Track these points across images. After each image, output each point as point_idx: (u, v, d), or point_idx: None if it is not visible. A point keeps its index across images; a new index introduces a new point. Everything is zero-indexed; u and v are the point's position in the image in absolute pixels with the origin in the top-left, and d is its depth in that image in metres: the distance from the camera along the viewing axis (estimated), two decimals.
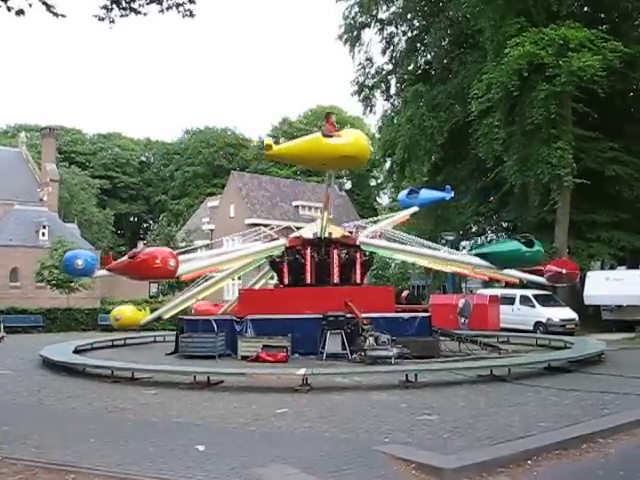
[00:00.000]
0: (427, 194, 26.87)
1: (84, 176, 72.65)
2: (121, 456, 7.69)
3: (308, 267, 21.48)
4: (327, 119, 13.78)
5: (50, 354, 17.60)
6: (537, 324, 28.89)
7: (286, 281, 22.20)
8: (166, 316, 24.14)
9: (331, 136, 13.62)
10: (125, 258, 17.51)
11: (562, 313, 28.95)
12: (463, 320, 27.97)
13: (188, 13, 10.19)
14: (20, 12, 8.37)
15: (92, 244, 54.92)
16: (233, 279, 34.46)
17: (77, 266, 19.35)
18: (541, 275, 21.27)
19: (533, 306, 29.62)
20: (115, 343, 23.82)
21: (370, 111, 46.94)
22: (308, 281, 21.48)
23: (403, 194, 27.21)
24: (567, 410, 10.40)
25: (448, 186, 27.68)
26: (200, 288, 23.58)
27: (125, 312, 24.40)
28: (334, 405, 11.35)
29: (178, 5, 10.50)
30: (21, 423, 9.83)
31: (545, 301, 29.93)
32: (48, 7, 8.57)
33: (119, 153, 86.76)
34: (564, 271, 20.16)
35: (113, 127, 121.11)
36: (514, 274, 22.94)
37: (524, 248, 18.36)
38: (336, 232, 22.43)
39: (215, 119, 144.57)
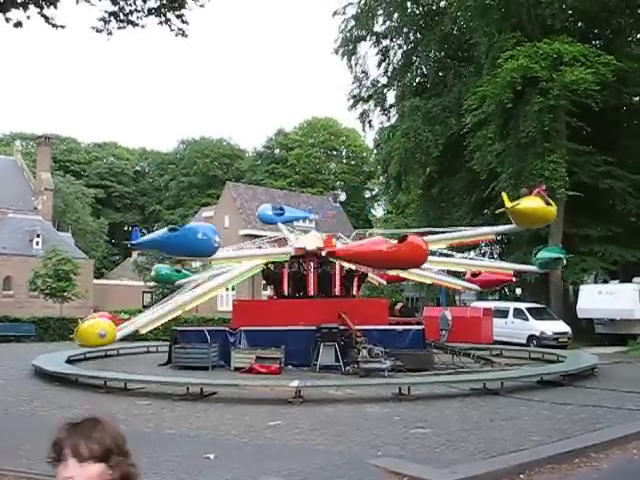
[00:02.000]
0: (291, 213, 26.76)
1: (79, 185, 72.53)
2: None
3: (310, 278, 21.54)
4: (540, 189, 16.93)
5: (43, 364, 17.54)
6: (530, 337, 28.93)
7: (285, 292, 22.16)
8: (144, 330, 20.18)
9: (550, 204, 16.81)
10: (371, 242, 16.57)
11: (555, 326, 28.99)
12: (443, 333, 27.93)
13: (181, 32, 10.26)
14: (18, 24, 8.41)
15: (86, 253, 54.80)
16: (227, 289, 34.27)
17: (215, 244, 16.65)
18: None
19: (526, 319, 29.65)
20: (108, 353, 23.71)
21: (369, 126, 47.05)
22: (310, 293, 21.56)
23: (267, 209, 26.43)
24: (560, 424, 10.42)
25: (310, 207, 28.51)
26: (188, 299, 21.00)
27: (106, 325, 18.13)
28: (327, 417, 11.35)
29: (176, 15, 10.57)
30: (12, 434, 9.80)
31: (538, 314, 29.98)
32: (47, 19, 8.61)
33: (114, 162, 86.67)
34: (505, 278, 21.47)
35: (109, 136, 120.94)
36: (457, 282, 25.40)
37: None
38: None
39: (210, 129, 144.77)
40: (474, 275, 24.67)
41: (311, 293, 21.74)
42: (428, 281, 27.07)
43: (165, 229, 16.79)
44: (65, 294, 37.42)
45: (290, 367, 18.59)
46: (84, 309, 40.41)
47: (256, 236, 34.49)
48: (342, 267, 22.18)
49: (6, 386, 15.57)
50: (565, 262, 22.39)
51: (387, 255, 15.98)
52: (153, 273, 27.37)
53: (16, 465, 7.75)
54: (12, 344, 30.91)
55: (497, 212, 17.90)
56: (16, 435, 9.65)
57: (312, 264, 21.70)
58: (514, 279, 25.50)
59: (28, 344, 31.18)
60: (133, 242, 16.95)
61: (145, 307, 45.81)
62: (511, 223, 18.00)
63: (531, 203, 16.58)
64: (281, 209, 25.97)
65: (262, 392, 13.81)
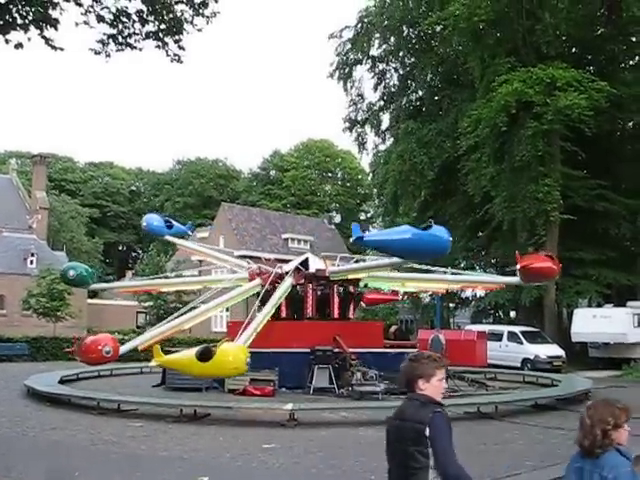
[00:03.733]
0: (178, 227, 26.45)
1: (74, 204, 72.48)
2: None
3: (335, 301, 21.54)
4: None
5: (35, 384, 17.43)
6: (524, 361, 28.88)
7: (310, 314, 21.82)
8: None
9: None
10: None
11: (549, 350, 28.98)
12: None
13: (177, 58, 10.38)
14: (19, 45, 8.50)
15: None
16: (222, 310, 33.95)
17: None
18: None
19: (521, 343, 29.62)
20: (101, 374, 23.55)
21: (363, 149, 47.43)
22: (335, 315, 21.58)
23: (154, 219, 25.29)
24: (554, 448, 10.40)
25: (190, 223, 29.02)
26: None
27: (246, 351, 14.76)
28: (321, 440, 11.31)
29: (174, 40, 10.68)
30: (3, 455, 9.73)
31: (533, 338, 29.97)
32: (47, 41, 8.71)
33: (110, 182, 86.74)
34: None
35: (104, 156, 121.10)
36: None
37: None
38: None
39: (206, 150, 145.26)
40: None
41: (336, 315, 21.68)
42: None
43: (405, 227, 15.72)
44: (59, 314, 37.25)
45: (284, 389, 18.51)
46: (77, 329, 40.25)
47: (252, 257, 34.49)
48: (350, 290, 22.21)
49: None
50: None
51: (553, 271, 17.09)
52: (71, 272, 20.95)
53: None
54: (4, 363, 30.68)
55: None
56: (7, 456, 9.59)
57: (335, 287, 21.72)
58: (400, 297, 27.29)
59: (20, 364, 30.97)
60: (360, 237, 15.27)
61: (139, 327, 45.68)
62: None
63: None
64: (169, 221, 25.30)
65: (256, 414, 13.75)
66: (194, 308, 21.29)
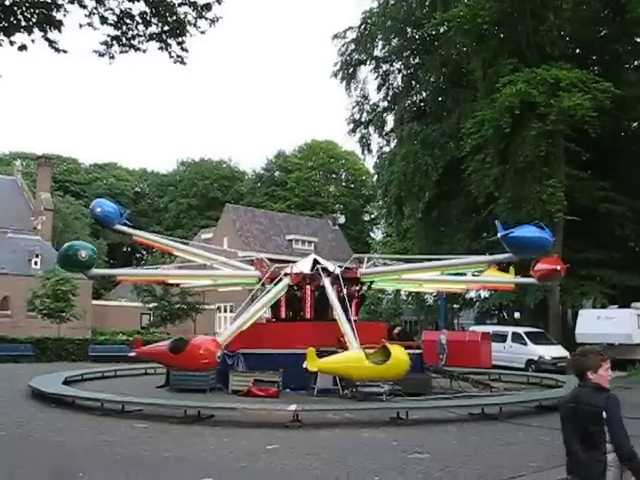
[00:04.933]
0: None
1: (78, 205, 72.61)
2: None
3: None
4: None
5: (39, 385, 17.45)
6: (529, 362, 28.84)
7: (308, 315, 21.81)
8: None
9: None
10: None
11: (554, 351, 28.91)
12: (441, 356, 27.75)
13: (180, 60, 10.40)
14: (23, 47, 8.53)
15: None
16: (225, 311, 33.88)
17: None
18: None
19: (525, 344, 29.59)
20: (106, 374, 23.61)
21: (368, 150, 47.35)
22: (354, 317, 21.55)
23: (105, 204, 24.45)
24: (558, 450, 10.25)
25: (127, 212, 27.21)
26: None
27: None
28: (325, 442, 11.30)
29: (177, 42, 10.70)
30: (7, 456, 9.74)
31: (537, 339, 29.93)
32: (50, 43, 8.74)
33: (114, 183, 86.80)
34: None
35: (109, 157, 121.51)
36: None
37: None
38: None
39: (210, 151, 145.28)
40: None
41: (354, 316, 21.72)
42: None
43: (530, 227, 16.24)
44: (63, 314, 37.30)
45: (288, 390, 18.49)
46: (82, 330, 40.32)
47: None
48: (358, 291, 22.19)
49: (1, 407, 15.47)
50: None
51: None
52: (83, 253, 17.04)
53: None
54: (9, 364, 30.73)
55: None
56: (11, 457, 9.60)
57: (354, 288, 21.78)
58: None
59: (25, 365, 31.02)
60: (507, 234, 15.55)
61: (143, 328, 45.75)
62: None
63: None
64: (123, 213, 24.39)
65: (260, 415, 13.75)
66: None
